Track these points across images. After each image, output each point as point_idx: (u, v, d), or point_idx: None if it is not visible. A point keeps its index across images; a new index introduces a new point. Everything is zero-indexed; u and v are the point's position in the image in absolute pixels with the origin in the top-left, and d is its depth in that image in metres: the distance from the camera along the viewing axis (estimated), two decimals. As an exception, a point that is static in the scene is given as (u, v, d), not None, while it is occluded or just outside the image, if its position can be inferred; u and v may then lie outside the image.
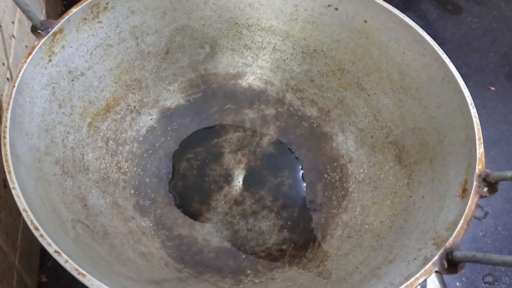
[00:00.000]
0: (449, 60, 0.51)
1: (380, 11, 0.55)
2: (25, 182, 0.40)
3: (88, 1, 0.52)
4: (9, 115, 0.42)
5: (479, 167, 0.43)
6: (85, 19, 0.53)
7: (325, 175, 0.61)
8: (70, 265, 0.35)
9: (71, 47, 0.52)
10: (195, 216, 0.57)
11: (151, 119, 0.62)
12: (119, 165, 0.57)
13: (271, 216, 0.58)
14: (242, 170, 0.61)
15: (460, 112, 0.48)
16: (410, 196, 0.51)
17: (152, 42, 0.61)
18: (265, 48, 0.64)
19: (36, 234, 0.36)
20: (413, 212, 0.50)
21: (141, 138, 0.61)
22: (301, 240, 0.56)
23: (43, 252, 0.59)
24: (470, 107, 0.47)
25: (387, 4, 0.55)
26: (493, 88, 0.84)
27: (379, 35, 0.56)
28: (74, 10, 0.51)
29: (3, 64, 0.52)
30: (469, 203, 0.41)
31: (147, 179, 0.58)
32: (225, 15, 0.62)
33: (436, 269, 0.38)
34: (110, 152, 0.57)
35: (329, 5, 0.58)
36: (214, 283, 0.51)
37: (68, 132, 0.52)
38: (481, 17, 0.94)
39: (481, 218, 0.69)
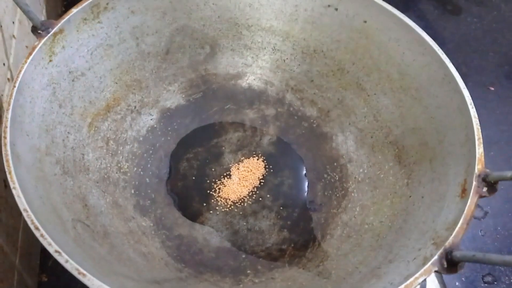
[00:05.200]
0: (449, 60, 0.51)
1: (380, 11, 0.55)
2: (26, 182, 0.41)
3: (88, 2, 0.52)
4: (9, 115, 0.42)
5: (478, 167, 0.43)
6: (85, 19, 0.53)
7: (325, 175, 0.61)
8: (70, 265, 0.36)
9: (71, 47, 0.52)
10: (195, 216, 0.57)
11: (151, 119, 0.62)
12: (119, 165, 0.57)
13: (271, 216, 0.58)
14: (242, 170, 0.61)
15: (460, 112, 0.48)
16: (410, 196, 0.52)
17: (152, 42, 0.61)
18: (265, 48, 0.65)
19: (37, 234, 0.36)
20: (412, 212, 0.50)
21: (141, 138, 0.61)
22: (301, 240, 0.56)
23: (44, 252, 0.59)
24: (470, 107, 0.47)
25: (387, 4, 0.55)
26: (493, 88, 0.84)
27: (379, 35, 0.56)
28: (74, 10, 0.51)
29: (4, 64, 0.52)
30: (468, 203, 0.41)
31: (147, 179, 0.58)
32: (225, 15, 0.62)
33: (436, 269, 0.38)
34: (111, 152, 0.57)
35: (329, 5, 0.59)
36: (214, 283, 0.51)
37: (68, 132, 0.52)
38: (481, 17, 0.94)
39: (480, 218, 0.69)
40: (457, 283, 0.63)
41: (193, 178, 0.60)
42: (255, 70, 0.66)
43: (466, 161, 0.45)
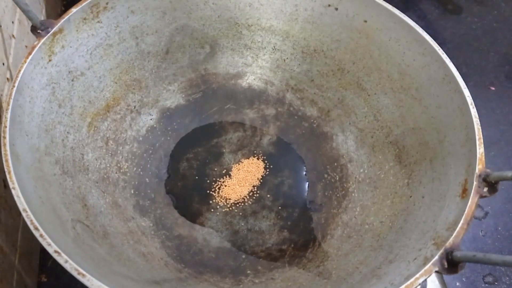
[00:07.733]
0: (449, 60, 0.51)
1: (380, 11, 0.55)
2: (25, 182, 0.40)
3: (88, 1, 0.52)
4: (9, 115, 0.42)
5: (479, 167, 0.43)
6: (85, 19, 0.53)
7: (325, 175, 0.61)
8: (70, 265, 0.35)
9: (71, 47, 0.52)
10: (195, 216, 0.57)
11: (151, 119, 0.62)
12: (119, 165, 0.57)
13: (271, 216, 0.58)
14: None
15: (460, 112, 0.48)
16: (410, 196, 0.51)
17: (152, 42, 0.61)
18: (265, 48, 0.64)
19: (36, 234, 0.36)
20: (413, 212, 0.50)
21: (141, 138, 0.61)
22: (301, 240, 0.56)
23: (43, 252, 0.59)
24: (470, 107, 0.47)
25: (387, 4, 0.55)
26: (493, 88, 0.84)
27: (379, 35, 0.56)
28: (74, 10, 0.51)
29: (3, 64, 0.52)
30: (469, 203, 0.41)
31: (147, 179, 0.58)
32: (225, 15, 0.62)
33: (436, 269, 0.38)
34: (110, 152, 0.57)
35: (329, 5, 0.58)
36: (214, 283, 0.51)
37: (68, 132, 0.52)
38: (481, 17, 0.94)
39: (481, 218, 0.69)
40: (457, 284, 0.63)
41: (193, 178, 0.60)
42: (255, 69, 0.66)
43: (466, 161, 0.45)
